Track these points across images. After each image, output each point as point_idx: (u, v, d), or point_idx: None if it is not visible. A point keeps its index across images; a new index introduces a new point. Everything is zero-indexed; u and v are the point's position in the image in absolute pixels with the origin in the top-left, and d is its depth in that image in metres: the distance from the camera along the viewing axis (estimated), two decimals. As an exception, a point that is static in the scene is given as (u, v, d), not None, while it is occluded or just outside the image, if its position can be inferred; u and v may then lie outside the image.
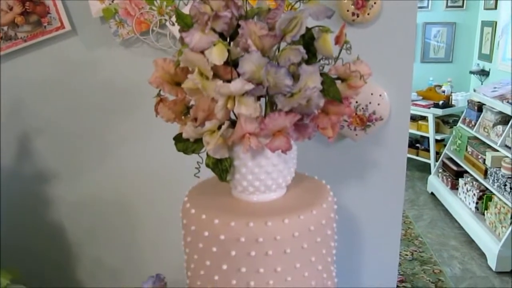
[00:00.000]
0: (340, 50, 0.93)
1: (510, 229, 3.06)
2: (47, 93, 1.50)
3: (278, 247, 0.89)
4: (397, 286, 3.15)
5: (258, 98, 0.90)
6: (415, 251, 3.44)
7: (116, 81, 1.46)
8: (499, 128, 3.49)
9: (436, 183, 4.25)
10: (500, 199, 3.28)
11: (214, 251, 0.91)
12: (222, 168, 0.94)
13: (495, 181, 3.37)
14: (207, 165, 0.96)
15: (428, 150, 4.67)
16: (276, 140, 0.88)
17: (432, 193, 4.32)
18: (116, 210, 1.57)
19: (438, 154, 4.51)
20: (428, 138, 4.62)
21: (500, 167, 3.36)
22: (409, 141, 4.86)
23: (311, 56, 0.93)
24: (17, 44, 1.43)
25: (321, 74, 0.90)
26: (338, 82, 0.94)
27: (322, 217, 0.94)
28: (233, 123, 0.92)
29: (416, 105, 4.50)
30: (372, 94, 1.30)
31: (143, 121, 1.47)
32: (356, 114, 1.30)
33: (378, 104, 1.29)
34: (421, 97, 4.62)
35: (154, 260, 1.52)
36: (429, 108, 4.44)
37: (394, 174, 1.37)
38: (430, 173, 4.47)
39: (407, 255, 3.40)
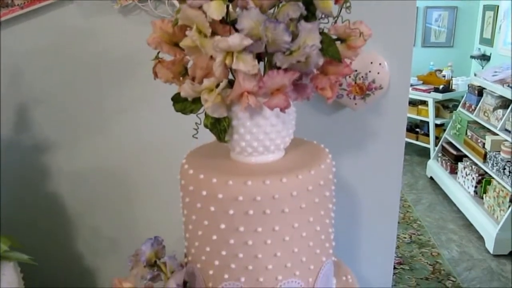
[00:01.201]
0: (340, 9, 0.92)
1: (508, 212, 3.08)
2: (44, 62, 1.49)
3: (276, 206, 0.89)
4: (395, 268, 3.19)
5: (258, 59, 0.90)
6: (414, 234, 3.46)
7: (114, 50, 1.45)
8: (499, 112, 3.49)
9: (435, 168, 4.26)
10: (499, 183, 3.29)
11: (212, 211, 0.91)
12: (220, 128, 0.94)
13: (494, 164, 3.38)
14: (205, 126, 0.95)
15: (427, 135, 4.67)
16: (274, 98, 0.87)
17: (431, 178, 4.34)
18: (114, 181, 1.57)
19: (437, 139, 4.52)
20: (427, 123, 4.62)
21: (499, 151, 3.37)
22: (409, 126, 4.89)
23: (311, 16, 0.92)
24: (14, 11, 1.42)
25: (321, 34, 0.89)
26: (337, 43, 0.94)
27: (320, 177, 0.94)
28: (231, 83, 0.92)
29: (416, 89, 4.49)
30: (371, 63, 1.29)
31: (142, 91, 1.46)
32: (355, 83, 1.29)
33: (378, 73, 1.29)
34: (421, 82, 4.61)
35: (152, 230, 1.51)
36: (429, 92, 4.43)
37: (393, 143, 1.37)
38: (429, 158, 4.48)
39: (405, 238, 3.42)
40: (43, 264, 1.64)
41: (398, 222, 3.70)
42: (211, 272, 0.97)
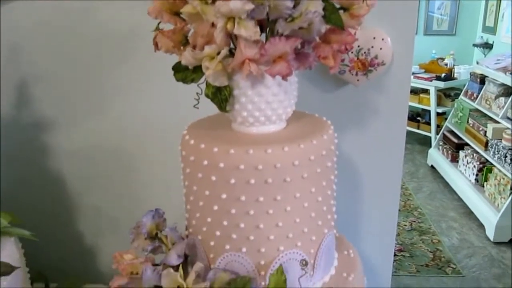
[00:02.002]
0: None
1: (509, 200, 3.07)
2: (44, 38, 1.48)
3: (278, 175, 0.88)
4: (396, 255, 3.19)
5: (260, 29, 0.89)
6: (414, 221, 3.46)
7: (114, 26, 1.43)
8: (501, 100, 3.47)
9: (436, 156, 4.25)
10: (500, 171, 3.28)
11: (214, 180, 0.90)
12: (221, 98, 0.93)
13: (496, 152, 3.37)
14: (207, 95, 0.94)
15: (429, 124, 4.65)
16: (276, 66, 0.86)
17: (432, 166, 4.33)
18: (114, 158, 1.56)
19: (439, 127, 4.50)
20: (429, 111, 4.61)
21: (501, 139, 3.36)
22: (410, 115, 4.87)
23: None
24: (13, -14, 1.41)
25: (323, 1, 0.88)
26: (340, 12, 0.93)
27: (323, 147, 0.93)
28: (232, 53, 0.91)
29: (417, 78, 4.47)
30: (374, 38, 1.27)
31: (143, 68, 1.45)
32: (357, 58, 1.28)
33: (381, 49, 1.27)
34: (423, 70, 4.58)
35: (152, 207, 1.52)
36: (431, 81, 4.41)
37: (395, 120, 1.36)
38: (430, 146, 4.46)
39: (406, 225, 3.42)
40: (44, 243, 1.64)
41: (399, 210, 3.70)
42: (212, 243, 0.96)
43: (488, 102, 3.67)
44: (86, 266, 1.71)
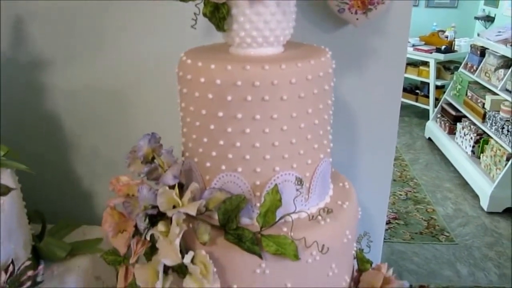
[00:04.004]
0: None
1: (504, 170, 3.09)
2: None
3: (275, 93, 0.88)
4: (390, 222, 3.22)
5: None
6: (410, 191, 3.48)
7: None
8: (501, 72, 3.47)
9: (433, 129, 4.26)
10: (496, 142, 3.30)
11: (210, 98, 0.90)
12: (219, 16, 0.92)
13: (493, 124, 3.38)
14: (204, 15, 0.93)
15: (427, 97, 4.65)
16: (275, -20, 0.85)
17: (429, 138, 4.34)
18: (112, 99, 1.54)
19: (437, 100, 4.50)
20: (428, 84, 4.60)
21: (499, 111, 3.36)
22: (409, 87, 4.87)
23: None
24: None
25: None
26: None
27: (320, 69, 0.93)
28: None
29: (417, 50, 4.45)
30: (375, -24, 1.26)
31: (141, 8, 1.43)
32: (358, -4, 1.26)
33: (381, -13, 1.26)
34: (423, 42, 4.56)
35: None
36: (431, 53, 4.39)
37: (394, 62, 1.35)
38: (428, 119, 4.47)
39: (401, 195, 3.45)
40: (41, 186, 1.64)
41: (394, 180, 3.74)
42: (208, 164, 0.96)
43: (487, 75, 3.66)
44: (83, 209, 1.71)
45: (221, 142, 0.92)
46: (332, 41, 1.34)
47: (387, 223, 3.20)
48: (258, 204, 0.95)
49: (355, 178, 1.46)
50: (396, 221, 3.15)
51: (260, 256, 0.91)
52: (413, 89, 4.85)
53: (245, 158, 0.92)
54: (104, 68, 1.52)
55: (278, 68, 0.88)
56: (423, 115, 4.76)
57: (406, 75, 4.41)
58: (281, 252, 0.91)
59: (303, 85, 0.90)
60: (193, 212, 0.90)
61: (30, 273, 1.15)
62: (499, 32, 3.76)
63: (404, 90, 4.51)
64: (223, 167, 0.94)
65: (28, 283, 1.13)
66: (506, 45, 3.47)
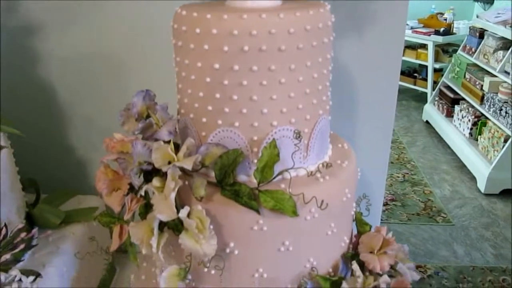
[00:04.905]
0: None
1: (502, 152, 3.09)
2: None
3: (273, 43, 0.85)
4: (387, 204, 3.21)
5: None
6: (407, 173, 3.48)
7: None
8: (500, 53, 3.45)
9: (431, 111, 4.24)
10: (494, 124, 3.29)
11: (206, 49, 0.87)
12: (216, -35, 0.89)
13: (491, 106, 3.37)
14: (200, -37, 0.91)
15: (425, 80, 4.63)
16: None
17: (427, 121, 4.33)
18: (106, 67, 1.50)
19: (435, 84, 4.48)
20: (426, 67, 4.57)
21: (497, 93, 3.35)
22: (407, 71, 4.84)
23: None
24: None
25: None
26: None
27: (319, 20, 0.90)
28: None
29: (416, 32, 4.41)
30: None
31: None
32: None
33: None
34: (422, 25, 4.52)
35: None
36: (429, 35, 4.35)
37: (394, 28, 1.32)
38: (426, 103, 4.45)
39: (398, 177, 3.44)
40: (34, 155, 1.62)
41: (392, 162, 3.73)
42: (204, 119, 0.94)
43: (486, 57, 3.64)
44: (77, 178, 1.69)
45: (218, 95, 0.90)
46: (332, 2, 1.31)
47: (384, 205, 3.21)
48: (255, 161, 0.92)
49: (353, 143, 1.45)
50: (394, 202, 3.15)
51: (258, 211, 0.89)
52: (411, 72, 4.82)
53: (242, 112, 0.90)
54: (99, 34, 1.49)
55: (276, 16, 0.85)
56: (421, 98, 4.74)
57: (404, 58, 4.38)
58: (279, 207, 0.88)
59: (302, 36, 0.87)
60: (189, 167, 0.87)
61: (23, 235, 1.13)
62: (498, 13, 3.73)
63: (402, 73, 4.50)
64: (220, 122, 0.92)
65: (22, 246, 1.11)
66: (505, 26, 3.44)
